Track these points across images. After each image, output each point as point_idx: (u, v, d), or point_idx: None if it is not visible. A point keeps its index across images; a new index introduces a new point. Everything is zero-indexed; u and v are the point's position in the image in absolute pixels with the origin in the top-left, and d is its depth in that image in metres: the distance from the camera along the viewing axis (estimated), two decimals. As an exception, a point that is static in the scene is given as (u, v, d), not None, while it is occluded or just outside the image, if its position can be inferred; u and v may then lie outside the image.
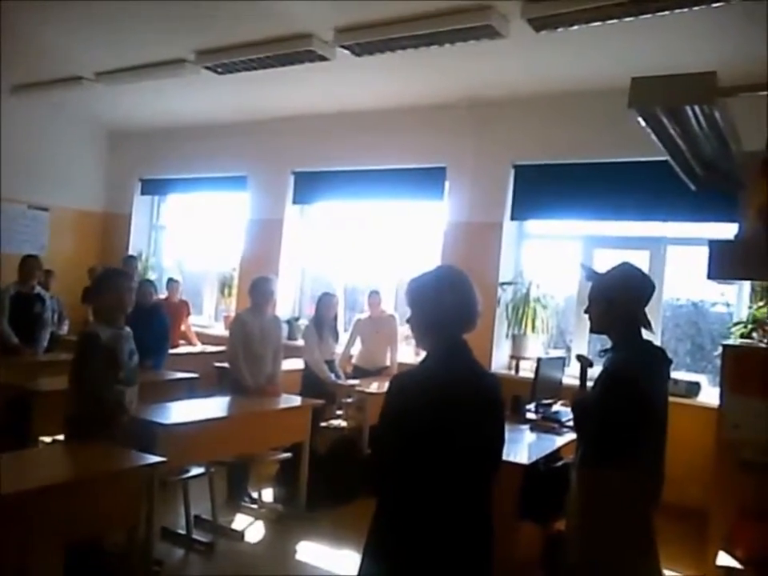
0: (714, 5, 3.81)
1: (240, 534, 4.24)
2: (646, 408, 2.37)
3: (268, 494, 4.92)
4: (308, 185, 7.46)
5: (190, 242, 8.76)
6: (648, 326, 2.54)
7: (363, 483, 1.96)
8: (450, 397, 1.81)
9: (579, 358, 2.77)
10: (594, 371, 2.59)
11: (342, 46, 5.04)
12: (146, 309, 5.69)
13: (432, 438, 1.79)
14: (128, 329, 3.48)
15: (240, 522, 4.46)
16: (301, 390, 5.35)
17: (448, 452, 1.81)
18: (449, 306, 1.89)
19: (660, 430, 2.49)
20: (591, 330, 2.68)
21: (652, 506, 2.47)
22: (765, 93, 2.31)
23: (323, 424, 5.25)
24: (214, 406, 4.38)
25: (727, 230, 2.81)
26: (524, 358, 6.04)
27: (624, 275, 2.53)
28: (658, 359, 2.57)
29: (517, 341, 6.13)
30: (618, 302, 2.47)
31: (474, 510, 1.88)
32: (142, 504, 3.01)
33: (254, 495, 4.81)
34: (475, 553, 1.87)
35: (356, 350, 6.22)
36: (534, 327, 6.12)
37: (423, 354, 1.97)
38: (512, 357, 6.16)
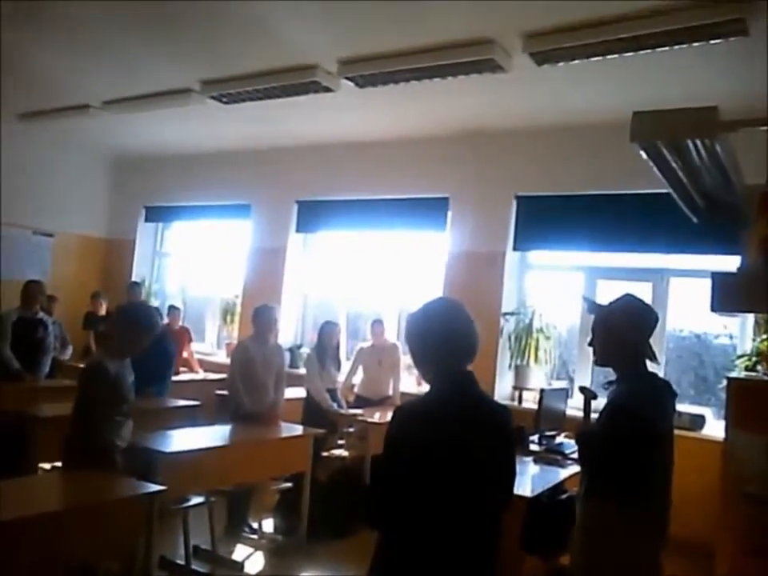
0: (712, 41, 3.87)
1: (240, 565, 4.19)
2: (652, 441, 2.35)
3: (268, 524, 4.87)
4: (311, 214, 7.50)
5: (193, 269, 8.80)
6: (653, 357, 2.53)
7: (362, 515, 1.93)
8: (452, 428, 1.80)
9: (582, 390, 2.75)
10: (598, 403, 2.58)
11: (346, 78, 5.11)
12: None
13: (434, 470, 1.77)
14: (128, 360, 3.48)
15: (240, 552, 4.40)
16: (302, 419, 5.32)
17: (450, 485, 1.78)
18: (442, 338, 1.90)
19: (666, 464, 2.46)
20: (595, 363, 2.68)
21: (659, 541, 2.43)
22: (765, 127, 2.34)
23: (325, 453, 5.21)
24: (214, 435, 4.35)
25: (730, 263, 2.82)
26: (527, 389, 6.01)
27: (627, 307, 2.53)
28: (664, 392, 2.56)
29: (520, 371, 6.10)
30: (622, 334, 2.47)
31: (480, 545, 1.85)
32: (141, 533, 2.98)
33: (254, 525, 4.76)
34: None
35: (358, 379, 6.20)
36: (536, 358, 6.10)
37: (424, 383, 1.97)
38: (515, 387, 6.13)
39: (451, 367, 1.91)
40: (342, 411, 5.65)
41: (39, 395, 4.99)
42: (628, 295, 2.57)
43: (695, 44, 3.92)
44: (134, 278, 8.36)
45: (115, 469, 3.18)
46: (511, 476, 1.96)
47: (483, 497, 1.83)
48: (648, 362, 2.53)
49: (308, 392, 5.60)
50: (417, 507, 1.78)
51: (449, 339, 1.90)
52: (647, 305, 2.58)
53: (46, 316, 5.86)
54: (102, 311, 7.24)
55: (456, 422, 1.81)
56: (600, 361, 2.60)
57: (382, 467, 1.84)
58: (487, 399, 2.00)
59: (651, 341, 2.54)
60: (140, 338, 3.38)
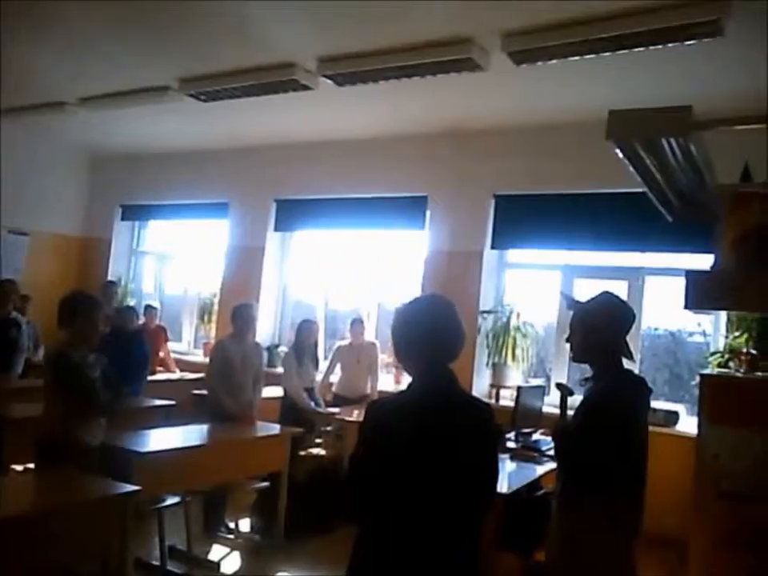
0: (688, 42, 3.92)
1: (216, 565, 4.16)
2: (627, 437, 2.37)
3: (245, 524, 4.83)
4: (290, 212, 7.47)
5: (170, 268, 8.71)
6: (629, 355, 2.55)
7: (338, 511, 1.92)
8: (428, 423, 1.80)
9: (559, 386, 2.77)
10: (574, 400, 2.60)
11: (325, 76, 5.10)
12: (126, 335, 5.65)
13: (410, 465, 1.77)
14: (97, 356, 3.44)
15: (216, 552, 4.37)
16: (279, 418, 5.29)
17: (427, 480, 1.78)
18: (425, 334, 1.89)
19: (641, 460, 2.49)
20: (573, 359, 2.70)
21: (633, 536, 2.46)
22: (739, 126, 2.37)
23: (302, 452, 5.18)
24: (190, 434, 4.31)
25: (704, 261, 2.86)
26: (504, 387, 6.05)
27: (605, 304, 2.55)
28: (639, 388, 2.58)
29: (497, 369, 6.14)
30: (599, 331, 2.49)
31: (460, 541, 1.84)
32: (116, 534, 2.94)
33: (231, 525, 4.72)
34: None
35: (336, 377, 6.19)
36: (514, 356, 6.14)
37: (403, 381, 1.97)
38: (492, 385, 6.16)
39: (431, 363, 1.90)
40: (320, 410, 5.62)
41: (11, 396, 4.90)
42: (606, 293, 2.59)
43: (671, 44, 3.97)
44: (110, 277, 8.26)
45: (85, 465, 3.13)
46: (494, 473, 1.95)
47: (463, 493, 1.82)
48: (624, 360, 2.55)
49: (285, 391, 5.57)
50: (394, 502, 1.78)
51: (431, 336, 1.89)
52: (624, 302, 2.60)
53: (19, 316, 5.77)
54: (78, 310, 7.14)
55: (433, 417, 1.81)
56: (577, 357, 2.62)
57: (358, 462, 1.83)
58: (468, 396, 2.00)
59: (628, 338, 2.57)
60: (87, 325, 3.36)
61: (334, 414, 5.50)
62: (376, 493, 1.79)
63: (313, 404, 5.60)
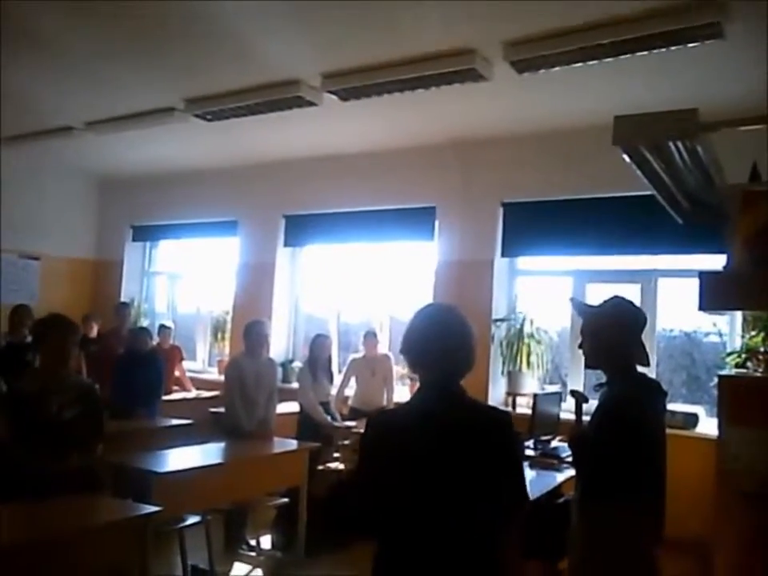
0: (690, 45, 3.92)
1: (238, 584, 4.17)
2: (644, 442, 2.36)
3: (266, 541, 4.84)
4: (299, 228, 7.50)
5: (182, 287, 8.76)
6: (645, 359, 2.53)
7: (348, 524, 1.92)
8: (424, 433, 1.78)
9: (573, 393, 2.76)
10: (590, 406, 2.59)
11: (330, 92, 5.14)
12: (141, 356, 5.69)
13: (414, 477, 1.75)
14: (77, 380, 3.37)
15: (238, 570, 4.38)
16: (297, 434, 5.30)
17: (431, 490, 1.76)
18: (423, 342, 1.89)
19: (659, 463, 2.47)
20: (586, 365, 2.69)
21: (655, 541, 2.44)
22: (745, 127, 2.37)
23: (320, 467, 5.19)
24: (209, 453, 4.33)
25: (716, 261, 2.85)
26: (520, 395, 6.02)
27: (615, 309, 2.54)
28: (653, 391, 2.57)
29: (512, 377, 6.11)
30: (610, 336, 2.48)
31: (476, 552, 1.81)
32: (137, 555, 2.95)
33: (252, 542, 4.73)
34: None
35: (351, 391, 6.19)
36: (528, 363, 6.11)
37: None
38: (508, 393, 6.14)
39: (433, 373, 1.89)
40: (337, 424, 5.63)
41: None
42: (616, 297, 2.59)
43: (673, 48, 3.97)
44: (122, 299, 8.31)
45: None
46: (516, 481, 1.88)
47: (477, 502, 1.79)
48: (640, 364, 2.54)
49: (301, 406, 5.57)
50: (399, 517, 1.76)
51: (429, 345, 1.88)
52: (635, 306, 2.60)
53: (34, 340, 5.81)
54: (94, 333, 7.19)
55: (432, 427, 1.79)
56: (590, 363, 2.61)
57: (359, 475, 1.82)
58: (481, 405, 1.96)
59: (643, 342, 2.55)
60: (55, 350, 3.26)
61: (350, 427, 5.50)
62: (381, 502, 1.77)
63: (329, 418, 5.60)
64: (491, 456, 1.83)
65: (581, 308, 2.72)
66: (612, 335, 2.47)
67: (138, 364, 5.58)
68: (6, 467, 3.05)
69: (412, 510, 1.76)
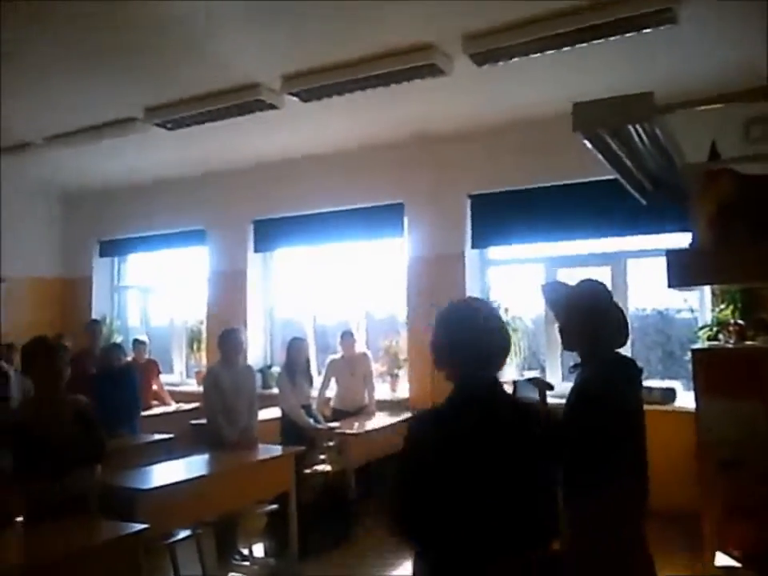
0: (644, 31, 3.99)
1: (233, 594, 4.14)
2: (619, 419, 2.39)
3: (259, 549, 4.82)
4: (268, 232, 7.47)
5: (154, 300, 8.66)
6: (623, 338, 2.56)
7: (391, 530, 1.87)
8: (470, 433, 1.76)
9: (533, 381, 2.77)
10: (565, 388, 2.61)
11: (290, 93, 5.12)
12: (114, 374, 5.61)
13: (461, 477, 1.74)
14: (70, 401, 3.31)
15: (232, 580, 4.35)
16: (281, 439, 5.28)
17: (476, 491, 1.74)
18: (458, 340, 1.86)
19: (639, 440, 2.50)
20: (563, 347, 2.72)
21: (641, 517, 2.48)
22: (701, 108, 2.42)
23: (307, 471, 5.17)
24: (193, 466, 4.29)
25: (682, 240, 2.90)
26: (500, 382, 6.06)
27: (584, 291, 2.58)
28: (628, 369, 2.60)
29: (491, 366, 6.14)
30: (581, 317, 2.50)
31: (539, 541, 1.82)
32: (129, 574, 2.92)
33: (245, 551, 4.70)
34: None
35: (332, 392, 6.18)
36: (506, 351, 6.15)
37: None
38: (488, 382, 6.17)
39: (470, 371, 1.86)
40: (320, 426, 5.61)
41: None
42: (585, 280, 2.62)
43: (629, 34, 4.04)
44: (93, 316, 8.17)
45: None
46: (547, 478, 1.90)
47: (513, 499, 1.78)
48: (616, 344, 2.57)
49: (283, 411, 5.55)
50: (444, 516, 1.74)
51: (466, 342, 1.85)
52: (601, 284, 2.62)
53: (6, 365, 5.71)
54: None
55: (475, 427, 1.77)
56: (566, 345, 2.66)
57: (403, 481, 1.80)
58: (514, 400, 1.97)
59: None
60: (45, 373, 3.25)
61: (334, 428, 5.50)
62: (426, 507, 1.75)
63: (312, 421, 5.58)
64: (530, 451, 1.85)
65: (549, 294, 2.75)
66: (582, 317, 2.50)
67: (112, 382, 5.49)
68: (6, 494, 3.05)
69: (484, 508, 1.74)
